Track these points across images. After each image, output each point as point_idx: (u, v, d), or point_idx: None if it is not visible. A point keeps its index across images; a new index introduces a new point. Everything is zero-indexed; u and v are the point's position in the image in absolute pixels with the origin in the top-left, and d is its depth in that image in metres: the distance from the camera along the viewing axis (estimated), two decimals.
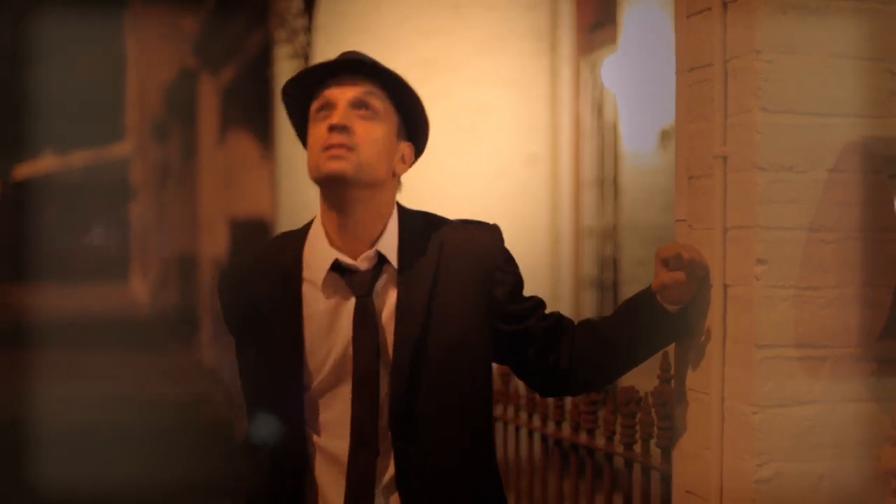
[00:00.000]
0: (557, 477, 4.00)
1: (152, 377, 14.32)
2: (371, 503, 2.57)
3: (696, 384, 2.93)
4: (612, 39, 8.13)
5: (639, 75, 7.65)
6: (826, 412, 2.74)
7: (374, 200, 2.61)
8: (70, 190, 37.72)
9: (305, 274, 2.63)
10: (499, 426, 4.35)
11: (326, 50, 8.48)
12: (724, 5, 2.84)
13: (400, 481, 2.57)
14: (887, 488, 2.45)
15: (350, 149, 2.54)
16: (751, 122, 2.73)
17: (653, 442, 3.33)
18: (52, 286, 31.17)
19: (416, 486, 2.57)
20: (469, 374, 2.62)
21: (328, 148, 2.54)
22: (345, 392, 2.59)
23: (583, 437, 3.77)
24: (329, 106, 2.59)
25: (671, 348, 3.11)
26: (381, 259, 2.62)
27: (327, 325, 2.59)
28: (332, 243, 2.62)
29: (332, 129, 2.54)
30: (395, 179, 2.68)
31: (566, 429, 3.93)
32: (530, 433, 4.29)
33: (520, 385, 4.18)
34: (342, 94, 2.59)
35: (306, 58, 8.71)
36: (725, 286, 2.81)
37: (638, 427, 3.42)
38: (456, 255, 2.63)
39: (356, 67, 2.63)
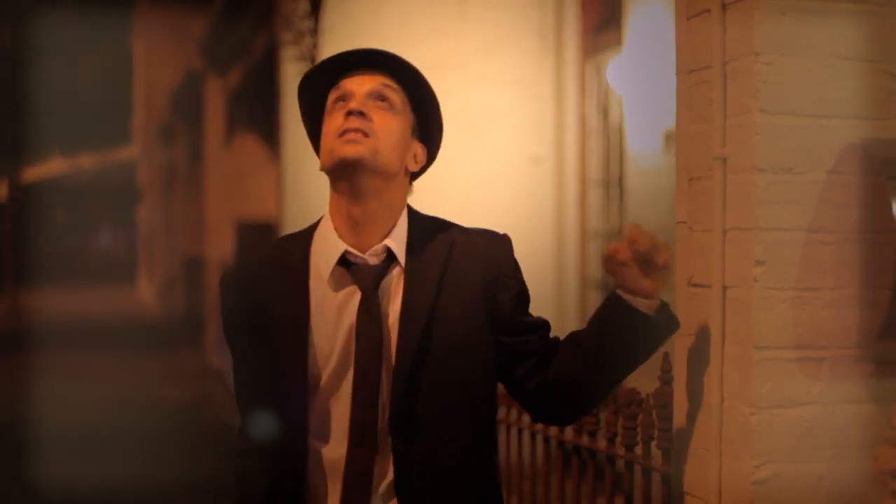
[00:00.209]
0: (559, 479, 4.00)
1: (158, 379, 14.35)
2: None
3: (696, 385, 2.94)
4: (618, 41, 8.14)
5: (644, 77, 7.65)
6: (824, 413, 2.75)
7: (386, 193, 2.60)
8: (77, 192, 37.79)
9: (313, 270, 2.63)
10: (502, 429, 4.36)
11: (333, 51, 8.42)
12: (723, 7, 2.84)
13: (399, 483, 2.55)
14: (885, 489, 2.45)
15: (366, 134, 2.54)
16: (750, 123, 2.73)
17: (654, 443, 3.33)
18: (59, 288, 31.24)
19: (417, 486, 2.56)
20: (471, 375, 2.61)
21: (344, 133, 2.54)
22: (346, 392, 2.58)
23: (584, 439, 3.77)
24: (347, 96, 2.60)
25: (672, 349, 3.12)
26: (390, 256, 2.61)
27: (333, 320, 2.58)
28: (341, 237, 2.61)
29: (349, 113, 2.55)
30: (407, 177, 2.68)
31: (568, 431, 3.93)
32: (533, 435, 4.29)
33: None
34: (360, 85, 2.60)
35: (312, 60, 8.73)
36: (724, 287, 2.82)
37: (639, 429, 3.42)
38: (464, 259, 2.62)
39: (376, 60, 2.65)
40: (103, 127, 35.00)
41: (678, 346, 3.04)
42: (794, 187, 2.73)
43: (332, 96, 2.63)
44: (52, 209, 38.41)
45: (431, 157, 2.75)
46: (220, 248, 15.46)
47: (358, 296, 2.58)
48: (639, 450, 3.43)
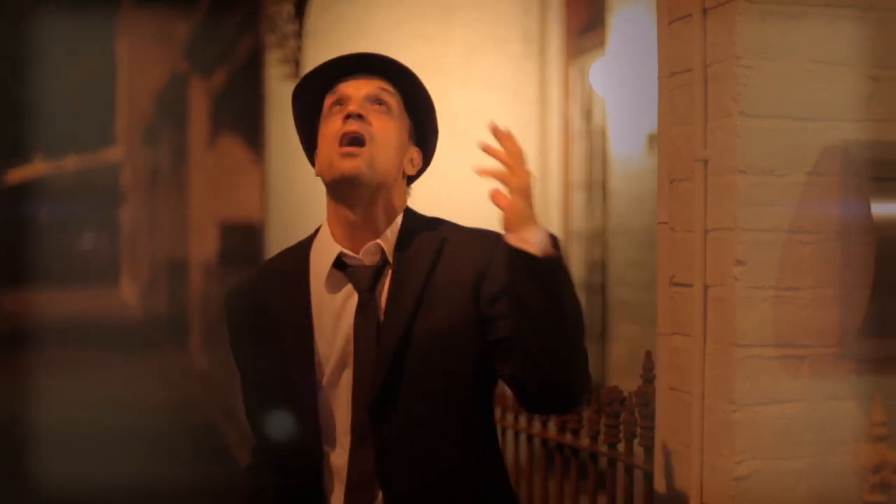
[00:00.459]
0: (542, 478, 4.03)
1: (142, 380, 14.34)
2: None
3: (679, 383, 2.98)
4: (601, 43, 8.18)
5: (627, 79, 7.69)
6: (805, 410, 2.80)
7: (383, 198, 2.61)
8: (61, 194, 37.70)
9: (312, 276, 2.64)
10: None
11: (317, 55, 8.51)
12: (705, 11, 2.89)
13: (380, 471, 2.54)
14: (866, 484, 2.49)
15: (364, 143, 2.54)
16: (731, 126, 2.78)
17: (636, 441, 3.37)
18: (42, 289, 31.15)
19: (398, 476, 2.54)
20: (456, 368, 2.57)
21: (343, 136, 2.54)
22: (345, 393, 2.58)
23: (568, 438, 3.81)
24: (344, 100, 2.60)
25: (654, 348, 3.16)
26: (385, 256, 2.61)
27: (332, 323, 2.59)
28: (337, 241, 2.62)
29: (348, 117, 2.55)
30: (404, 180, 2.68)
31: (551, 429, 3.97)
32: (516, 434, 4.32)
33: (506, 387, 4.21)
34: (358, 89, 2.61)
35: (297, 63, 8.75)
36: (706, 287, 2.86)
37: (622, 426, 3.46)
38: (455, 256, 2.60)
39: (372, 64, 2.65)
40: (87, 128, 34.97)
41: (660, 345, 3.09)
42: (775, 189, 2.78)
43: (329, 101, 2.63)
44: (36, 211, 38.31)
45: (427, 160, 2.75)
46: (204, 249, 15.45)
47: (356, 298, 2.59)
48: (621, 447, 3.48)
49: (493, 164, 2.39)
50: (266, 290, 2.69)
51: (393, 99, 2.63)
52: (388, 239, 2.61)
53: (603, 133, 8.31)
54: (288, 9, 8.92)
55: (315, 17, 8.84)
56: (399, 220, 2.64)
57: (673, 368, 3.02)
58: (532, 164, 9.22)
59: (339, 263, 2.61)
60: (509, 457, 4.45)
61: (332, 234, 2.64)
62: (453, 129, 9.04)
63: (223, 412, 11.34)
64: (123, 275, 34.98)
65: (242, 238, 12.61)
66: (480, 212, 8.85)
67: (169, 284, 20.36)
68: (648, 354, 3.33)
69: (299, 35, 8.80)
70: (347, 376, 2.58)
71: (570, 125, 8.99)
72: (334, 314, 2.59)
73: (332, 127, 2.58)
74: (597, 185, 8.51)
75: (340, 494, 2.57)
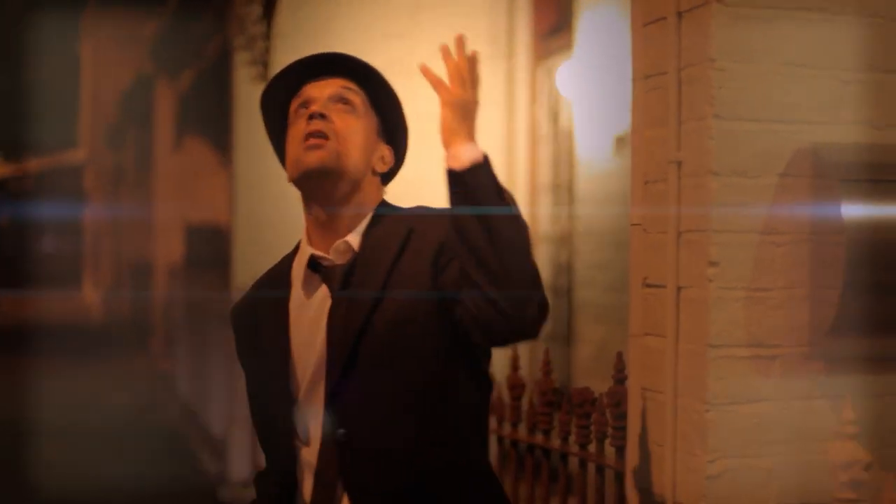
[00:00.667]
0: (513, 479, 4.05)
1: (105, 384, 14.27)
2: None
3: (651, 383, 3.00)
4: (569, 45, 8.21)
5: (594, 81, 7.73)
6: (776, 409, 2.83)
7: (355, 196, 2.61)
8: (23, 196, 37.49)
9: (294, 281, 2.66)
10: None
11: (285, 56, 8.48)
12: (679, 15, 2.92)
13: (342, 468, 2.53)
14: (836, 481, 2.53)
15: (327, 136, 2.55)
16: (705, 128, 2.81)
17: (607, 442, 3.40)
18: (3, 293, 30.95)
19: (358, 472, 2.52)
20: (418, 358, 2.52)
21: (307, 136, 2.55)
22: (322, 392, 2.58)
23: (539, 438, 3.83)
24: (309, 102, 2.62)
25: (626, 349, 3.18)
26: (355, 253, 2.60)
27: (309, 325, 2.60)
28: (312, 243, 2.63)
29: (311, 117, 2.56)
30: (376, 178, 2.68)
31: (521, 430, 3.97)
32: None
33: None
34: (321, 90, 2.63)
35: (265, 64, 8.74)
36: (679, 288, 2.89)
37: (593, 427, 3.48)
38: (420, 241, 2.56)
39: (335, 65, 2.67)
40: (49, 130, 34.77)
41: (632, 345, 3.11)
42: (747, 190, 2.82)
43: (295, 104, 2.65)
44: None
45: (400, 158, 2.76)
46: (170, 252, 15.41)
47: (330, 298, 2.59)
48: (592, 448, 3.50)
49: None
50: (256, 304, 2.72)
51: (357, 97, 2.64)
52: (356, 236, 2.61)
53: (570, 135, 8.34)
54: (256, 10, 8.91)
55: (283, 19, 8.83)
56: (370, 216, 2.64)
57: (645, 369, 3.04)
58: (499, 166, 9.24)
59: (315, 266, 2.61)
60: None
61: (308, 237, 2.65)
62: (421, 129, 9.09)
63: (187, 415, 11.31)
64: (86, 278, 34.83)
65: (209, 241, 12.56)
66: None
67: (133, 288, 20.27)
68: (620, 355, 3.36)
69: (268, 37, 8.78)
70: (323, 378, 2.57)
71: (537, 127, 9.02)
72: (311, 317, 2.60)
73: (298, 129, 2.60)
74: (563, 188, 8.54)
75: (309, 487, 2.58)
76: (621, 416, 3.28)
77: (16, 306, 27.73)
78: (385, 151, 2.70)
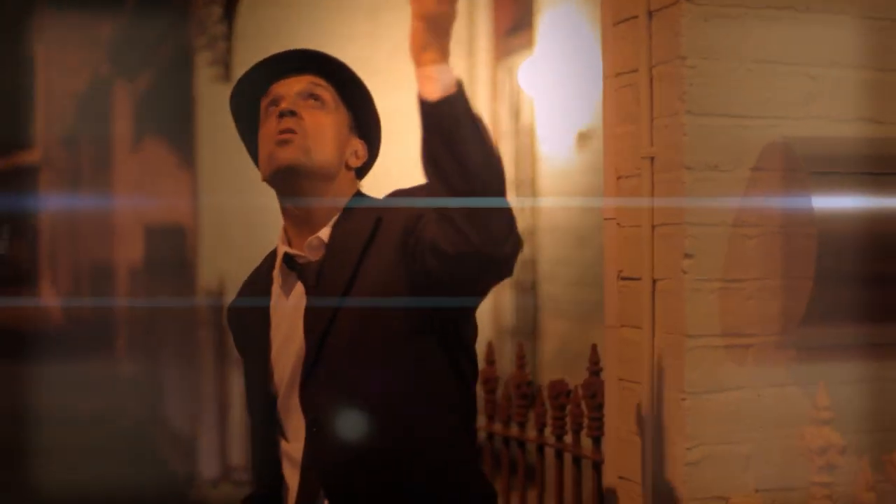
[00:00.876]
0: (490, 472, 4.08)
1: (67, 389, 14.19)
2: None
3: (628, 374, 3.07)
4: (529, 43, 8.27)
5: (555, 79, 7.79)
6: (751, 397, 2.90)
7: (328, 192, 2.60)
8: None
9: (274, 278, 2.66)
10: None
11: (247, 56, 8.52)
12: (650, 14, 2.98)
13: (308, 456, 2.53)
14: (812, 465, 2.60)
15: (298, 133, 2.54)
16: (677, 124, 2.87)
17: (583, 433, 3.46)
18: None
19: (326, 462, 2.50)
20: (391, 350, 2.48)
21: (279, 134, 2.54)
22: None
23: (514, 431, 3.87)
24: (279, 100, 2.60)
25: (601, 342, 3.24)
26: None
27: (289, 323, 2.60)
28: (288, 241, 2.63)
29: (281, 115, 2.55)
30: (350, 173, 2.67)
31: (497, 424, 3.99)
32: None
33: None
34: (290, 88, 2.61)
35: (226, 65, 8.75)
36: (654, 280, 2.96)
37: (568, 419, 3.54)
38: (389, 227, 2.52)
39: (303, 62, 2.65)
40: (2, 131, 34.52)
41: (608, 337, 3.17)
42: (720, 184, 2.88)
43: (264, 103, 2.64)
44: None
45: (373, 152, 2.75)
46: (130, 253, 15.35)
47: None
48: (568, 439, 3.55)
49: None
50: (242, 304, 2.74)
51: (327, 93, 2.62)
52: (328, 230, 2.59)
53: (531, 132, 8.41)
54: (217, 10, 8.91)
55: (244, 19, 8.84)
56: (342, 210, 2.62)
57: (622, 360, 3.11)
58: None
59: (291, 263, 2.61)
60: None
61: (285, 235, 2.65)
62: (385, 128, 9.15)
63: (153, 419, 11.28)
64: (43, 280, 34.59)
65: (170, 241, 12.54)
66: None
67: (92, 289, 20.16)
68: (594, 348, 3.42)
69: (229, 37, 8.80)
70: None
71: (499, 124, 9.08)
72: (291, 316, 2.60)
73: (269, 128, 2.59)
74: (526, 184, 8.60)
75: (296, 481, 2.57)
76: (597, 407, 3.34)
77: None
78: (358, 146, 2.69)
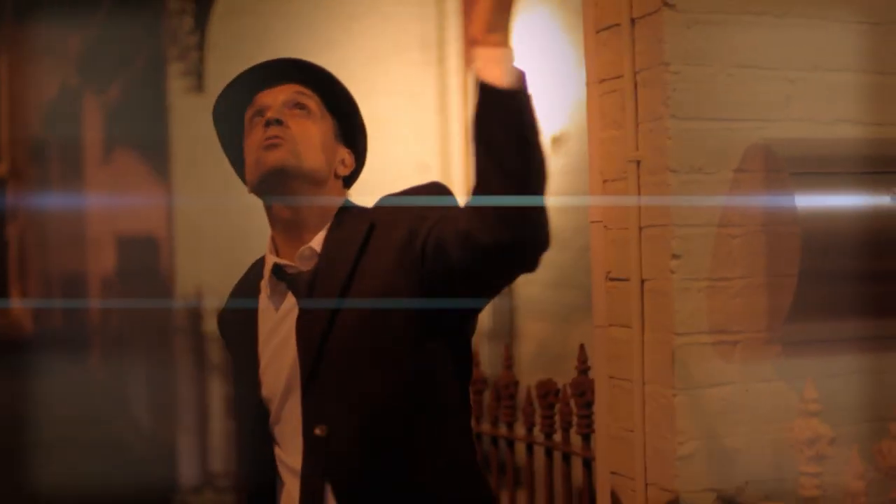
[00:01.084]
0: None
1: (41, 398, 14.15)
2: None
3: (617, 372, 3.14)
4: None
5: (529, 84, 7.84)
6: (739, 392, 2.98)
7: (317, 200, 2.58)
8: None
9: (262, 288, 2.64)
10: None
11: (220, 66, 8.55)
12: (632, 22, 3.05)
13: (306, 467, 2.49)
14: (801, 457, 2.67)
15: (286, 139, 2.51)
16: (662, 128, 2.95)
17: (573, 430, 3.52)
18: None
19: (321, 470, 2.48)
20: (389, 356, 2.46)
21: (265, 140, 2.51)
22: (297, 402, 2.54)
23: (503, 430, 3.92)
24: (264, 110, 2.58)
25: (589, 341, 3.31)
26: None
27: (281, 334, 2.57)
28: (277, 252, 2.60)
29: (267, 124, 2.52)
30: (338, 182, 2.65)
31: (486, 424, 4.04)
32: None
33: None
34: (275, 97, 2.59)
35: (199, 75, 8.77)
36: (642, 280, 3.03)
37: (557, 417, 3.60)
38: (385, 232, 2.50)
39: (287, 71, 2.63)
40: None
41: (597, 337, 3.24)
42: (705, 186, 2.96)
43: (249, 114, 2.62)
44: None
45: (360, 160, 2.72)
46: (102, 263, 15.33)
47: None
48: (558, 437, 3.62)
49: None
50: (229, 314, 2.74)
51: (312, 101, 2.60)
52: (320, 240, 2.56)
53: None
54: (189, 21, 8.93)
55: (217, 29, 8.86)
56: (332, 219, 2.59)
57: (611, 358, 3.17)
58: (434, 169, 9.35)
59: (281, 274, 2.58)
60: None
61: (274, 246, 2.62)
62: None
63: (129, 425, 11.28)
64: (13, 292, 34.42)
65: (142, 251, 12.54)
66: None
67: (64, 300, 20.09)
68: (582, 347, 3.49)
69: (201, 47, 8.82)
70: (297, 386, 2.53)
71: (471, 131, 9.12)
72: (282, 327, 2.56)
73: (254, 138, 2.56)
74: None
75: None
76: (586, 405, 3.40)
77: None
78: (345, 154, 2.67)
